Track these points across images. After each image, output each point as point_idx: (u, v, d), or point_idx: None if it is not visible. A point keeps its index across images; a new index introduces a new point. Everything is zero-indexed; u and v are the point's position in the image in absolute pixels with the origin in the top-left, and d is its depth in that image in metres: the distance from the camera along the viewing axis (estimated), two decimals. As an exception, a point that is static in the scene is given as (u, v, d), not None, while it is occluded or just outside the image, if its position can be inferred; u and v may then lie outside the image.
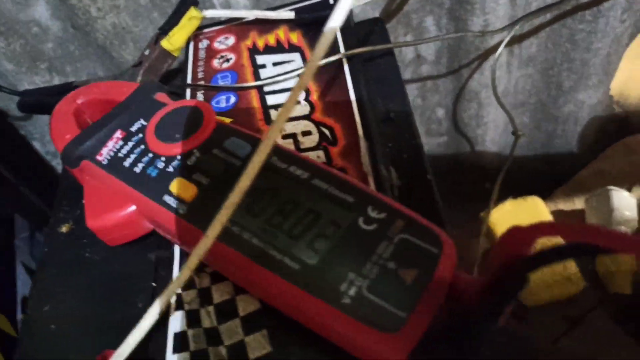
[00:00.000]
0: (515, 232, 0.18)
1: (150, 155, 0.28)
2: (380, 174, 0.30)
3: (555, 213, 0.59)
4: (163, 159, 0.27)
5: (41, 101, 0.42)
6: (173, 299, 0.27)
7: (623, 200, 0.54)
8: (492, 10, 0.49)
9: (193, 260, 0.21)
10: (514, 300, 0.18)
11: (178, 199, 0.26)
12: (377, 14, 0.50)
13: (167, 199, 0.26)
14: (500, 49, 0.46)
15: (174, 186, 0.26)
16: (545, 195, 0.63)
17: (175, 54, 0.41)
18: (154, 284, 0.29)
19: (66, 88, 0.43)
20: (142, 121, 0.30)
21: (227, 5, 0.48)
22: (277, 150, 0.26)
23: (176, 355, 0.26)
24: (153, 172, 0.27)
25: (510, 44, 0.55)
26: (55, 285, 0.31)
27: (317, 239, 0.23)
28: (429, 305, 0.20)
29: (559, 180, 0.65)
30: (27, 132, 0.60)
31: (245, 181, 0.21)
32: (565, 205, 0.60)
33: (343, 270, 0.21)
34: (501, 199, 0.60)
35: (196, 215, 0.25)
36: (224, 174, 0.26)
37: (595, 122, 0.66)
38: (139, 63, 0.41)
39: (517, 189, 0.61)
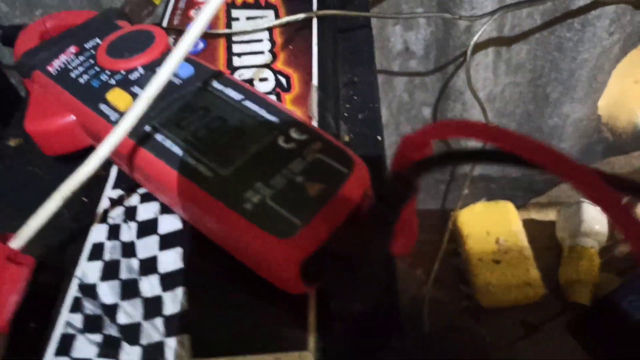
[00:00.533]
0: (409, 138, 0.17)
1: (97, 69, 0.28)
2: (325, 122, 0.30)
3: (527, 221, 0.59)
4: (108, 72, 0.28)
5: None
6: (100, 212, 0.28)
7: (594, 214, 0.53)
8: (479, 5, 0.49)
9: (103, 150, 0.21)
10: (401, 207, 0.18)
11: (113, 107, 0.26)
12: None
13: (103, 107, 0.26)
14: (480, 32, 0.47)
15: (111, 95, 0.26)
16: (521, 204, 0.63)
17: (157, 2, 0.42)
18: (84, 199, 0.29)
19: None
20: (97, 40, 0.30)
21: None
22: (217, 74, 0.26)
23: (89, 263, 0.26)
24: (95, 84, 0.27)
25: (498, 44, 0.56)
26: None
27: (235, 153, 0.23)
28: (328, 218, 0.20)
29: (538, 192, 0.64)
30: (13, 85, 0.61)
31: (149, 92, 0.21)
32: (538, 215, 0.60)
33: (251, 180, 0.21)
34: (475, 200, 0.60)
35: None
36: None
37: (582, 141, 0.66)
38: (120, 9, 0.42)
39: (495, 195, 0.61)
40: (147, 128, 0.24)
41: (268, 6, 0.39)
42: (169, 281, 0.24)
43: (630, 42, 0.55)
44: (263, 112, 0.24)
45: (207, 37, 0.37)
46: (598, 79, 0.57)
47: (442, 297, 0.52)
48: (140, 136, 0.24)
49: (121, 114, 0.26)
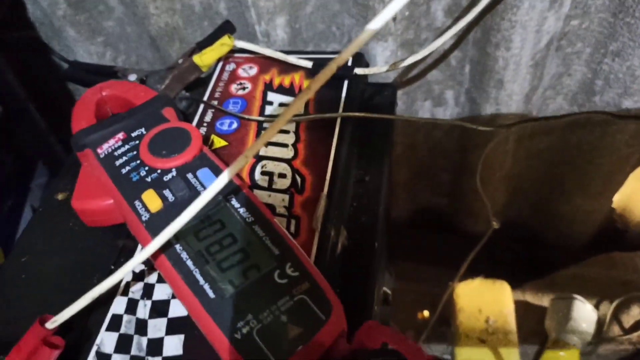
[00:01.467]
0: (368, 328, 0.21)
1: (138, 161, 0.33)
2: (326, 232, 0.34)
3: (521, 303, 0.61)
4: (147, 168, 0.32)
5: (81, 76, 0.48)
6: (123, 284, 0.32)
7: (584, 312, 0.56)
8: (504, 102, 0.51)
9: (134, 261, 0.26)
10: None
11: (145, 206, 0.30)
12: (397, 76, 0.54)
13: (137, 204, 0.31)
14: (490, 145, 0.49)
15: (145, 195, 0.31)
16: (521, 281, 0.65)
17: (203, 70, 0.46)
18: (112, 267, 0.34)
19: (106, 70, 0.49)
20: (143, 130, 0.35)
21: (266, 35, 0.53)
22: (236, 190, 0.31)
23: (108, 333, 0.30)
24: (135, 177, 0.32)
25: (520, 134, 0.58)
26: (37, 243, 0.36)
27: (238, 277, 0.27)
28: (300, 360, 0.24)
29: (540, 269, 0.67)
30: (70, 91, 0.66)
31: (190, 211, 0.26)
32: (532, 298, 0.62)
33: (245, 310, 0.26)
34: (479, 273, 0.63)
35: (153, 225, 0.29)
36: (187, 198, 0.30)
37: (591, 230, 0.67)
38: (171, 67, 0.46)
39: (496, 265, 0.64)
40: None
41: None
42: (169, 365, 0.29)
43: (650, 153, 0.56)
44: (268, 241, 0.28)
45: (241, 118, 0.41)
46: (612, 181, 0.59)
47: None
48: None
49: (151, 215, 0.30)
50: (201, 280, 0.27)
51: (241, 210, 0.30)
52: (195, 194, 0.30)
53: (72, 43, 0.60)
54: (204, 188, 0.31)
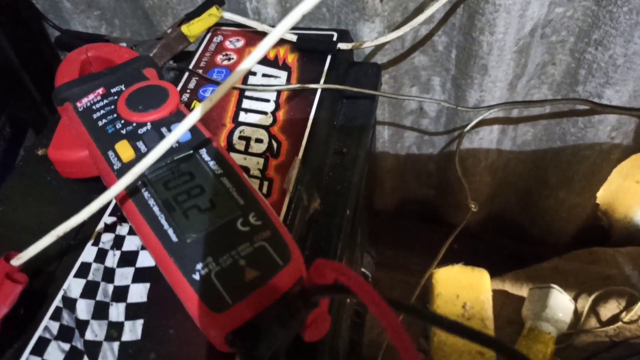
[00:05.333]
0: (317, 266, 0.22)
1: (115, 115, 0.33)
2: (297, 194, 0.34)
3: (500, 292, 0.62)
4: (122, 121, 0.33)
5: (73, 43, 0.49)
6: (94, 234, 0.33)
7: (561, 302, 0.56)
8: (488, 89, 0.52)
9: (101, 200, 0.27)
10: (297, 314, 0.22)
11: (117, 156, 0.31)
12: (385, 61, 0.54)
13: (110, 153, 0.31)
14: (472, 124, 0.50)
15: (119, 145, 0.31)
16: (502, 270, 0.65)
17: (191, 40, 0.47)
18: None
19: (97, 39, 0.49)
20: (122, 86, 0.35)
21: (257, 12, 0.53)
22: (207, 143, 0.31)
23: (75, 279, 0.31)
24: (110, 129, 0.32)
25: (505, 123, 0.58)
26: (14, 194, 0.37)
27: (201, 224, 0.27)
28: (255, 302, 0.25)
29: (523, 260, 0.67)
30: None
31: (158, 150, 0.26)
32: (512, 288, 0.62)
33: (206, 254, 0.26)
34: (461, 259, 0.63)
35: (124, 174, 0.30)
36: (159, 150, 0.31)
37: (575, 226, 0.68)
38: (160, 38, 0.47)
39: (480, 258, 0.64)
40: (139, 182, 0.29)
41: (284, 67, 0.44)
42: (132, 311, 0.30)
43: (633, 147, 0.56)
44: (234, 192, 0.29)
45: (224, 86, 0.42)
46: (596, 175, 0.59)
47: (399, 346, 0.56)
48: (131, 188, 0.29)
49: (123, 164, 0.31)
50: (165, 225, 0.27)
51: (211, 163, 0.30)
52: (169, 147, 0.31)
53: (68, 16, 0.61)
54: (178, 142, 0.31)
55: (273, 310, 0.25)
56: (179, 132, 0.28)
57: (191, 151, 0.31)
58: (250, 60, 0.25)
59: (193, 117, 0.28)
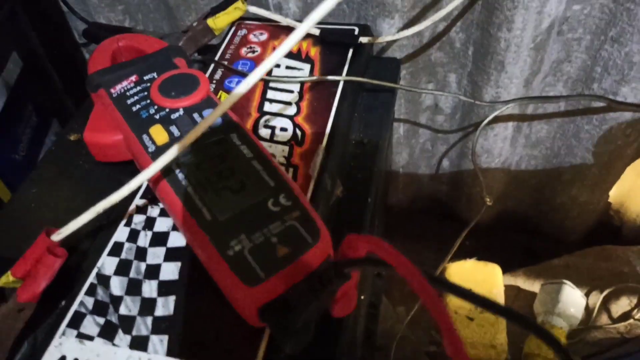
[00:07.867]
0: (350, 240, 0.23)
1: (148, 101, 0.35)
2: (321, 180, 0.35)
3: (511, 287, 0.62)
4: (155, 107, 0.34)
5: (100, 35, 0.50)
6: (126, 216, 0.34)
7: (572, 297, 0.56)
8: (504, 85, 0.53)
9: (139, 179, 0.28)
10: (330, 285, 0.23)
11: (152, 140, 0.32)
12: (403, 56, 0.55)
13: (145, 137, 0.32)
14: (489, 118, 0.51)
15: (153, 129, 0.33)
16: (515, 266, 0.66)
17: (216, 33, 0.48)
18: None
19: (123, 31, 0.51)
20: (154, 74, 0.37)
21: (279, 8, 0.55)
22: (237, 129, 0.32)
23: (109, 257, 0.32)
24: (144, 114, 0.34)
25: (520, 120, 0.59)
26: (47, 177, 0.38)
27: (233, 204, 0.29)
28: (287, 277, 0.26)
29: (536, 257, 0.68)
30: (85, 56, 0.69)
31: (193, 134, 0.28)
32: (523, 284, 0.63)
33: (238, 231, 0.27)
34: (473, 255, 0.64)
35: (159, 156, 0.31)
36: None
37: (586, 223, 0.69)
38: (186, 30, 0.48)
39: (492, 253, 0.65)
40: (173, 164, 0.31)
41: (307, 59, 0.45)
42: (165, 288, 0.31)
43: (647, 145, 0.57)
44: (264, 175, 0.30)
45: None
46: (610, 172, 0.60)
47: (412, 337, 0.57)
48: (165, 169, 0.30)
49: (157, 147, 0.32)
50: (199, 205, 0.29)
51: (242, 147, 0.32)
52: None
53: (93, 9, 0.62)
54: (210, 127, 0.33)
55: (303, 285, 0.26)
56: (214, 116, 0.29)
57: (222, 135, 0.32)
58: (280, 52, 0.26)
59: (227, 103, 0.29)
